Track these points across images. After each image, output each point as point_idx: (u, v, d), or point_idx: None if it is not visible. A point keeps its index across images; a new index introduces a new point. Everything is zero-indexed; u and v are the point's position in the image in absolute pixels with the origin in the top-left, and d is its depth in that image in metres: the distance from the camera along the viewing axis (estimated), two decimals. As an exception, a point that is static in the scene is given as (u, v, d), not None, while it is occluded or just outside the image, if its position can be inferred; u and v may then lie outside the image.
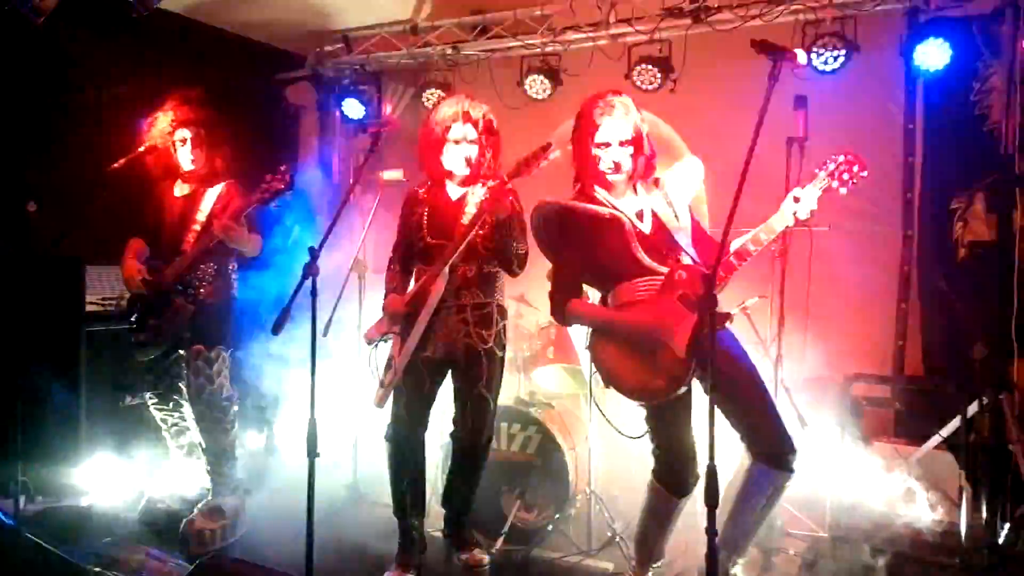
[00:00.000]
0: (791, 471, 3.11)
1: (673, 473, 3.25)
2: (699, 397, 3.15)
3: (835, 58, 4.79)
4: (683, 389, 3.08)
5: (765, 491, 3.13)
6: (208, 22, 5.96)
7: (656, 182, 3.37)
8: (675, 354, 3.04)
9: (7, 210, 3.97)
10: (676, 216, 3.28)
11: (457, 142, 3.59)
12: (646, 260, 3.19)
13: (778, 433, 3.11)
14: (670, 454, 3.24)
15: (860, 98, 4.99)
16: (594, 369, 3.41)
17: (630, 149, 3.22)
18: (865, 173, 3.05)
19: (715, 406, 2.43)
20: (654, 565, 3.50)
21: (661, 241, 3.23)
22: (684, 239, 3.24)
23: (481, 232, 3.54)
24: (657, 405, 3.17)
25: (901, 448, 4.45)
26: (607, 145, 3.21)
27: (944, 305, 4.85)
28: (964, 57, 4.67)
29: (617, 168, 3.22)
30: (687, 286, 3.10)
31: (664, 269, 3.16)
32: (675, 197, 3.33)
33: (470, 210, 3.57)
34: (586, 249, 3.29)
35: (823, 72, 4.81)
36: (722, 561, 3.16)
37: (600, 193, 3.27)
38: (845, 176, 3.05)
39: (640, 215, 3.27)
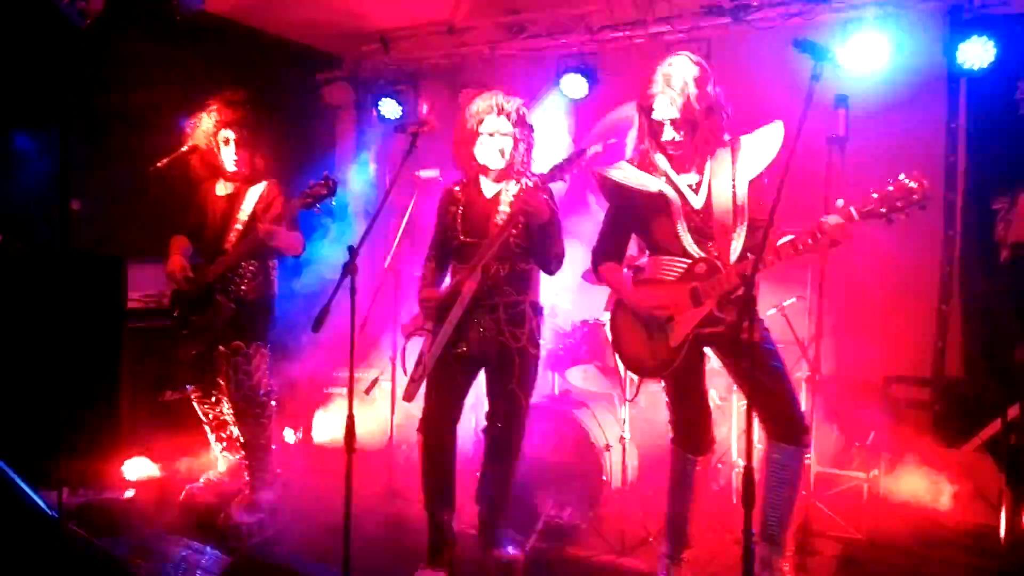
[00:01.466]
0: (805, 446, 3.25)
1: (687, 436, 3.42)
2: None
3: (876, 57, 4.73)
4: (669, 370, 3.27)
5: (787, 469, 3.20)
6: (248, 23, 6.04)
7: (735, 145, 3.23)
8: (669, 342, 3.22)
9: (52, 208, 4.05)
10: (735, 195, 3.17)
11: (491, 135, 3.59)
12: (687, 239, 3.20)
13: (793, 414, 3.20)
14: (682, 420, 3.42)
15: (901, 97, 4.92)
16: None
17: (692, 123, 3.13)
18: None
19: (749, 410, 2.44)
20: (684, 557, 3.48)
21: (710, 220, 3.18)
22: (738, 220, 3.16)
23: (515, 231, 3.55)
24: (668, 377, 3.33)
25: (940, 451, 4.38)
26: (660, 124, 3.17)
27: (985, 307, 4.78)
28: (1008, 55, 4.59)
29: (670, 145, 3.18)
30: (703, 281, 3.15)
31: (698, 253, 3.17)
32: (745, 166, 3.18)
33: (504, 209, 3.57)
34: (633, 217, 3.39)
35: (864, 71, 4.76)
36: (766, 557, 3.22)
37: (660, 162, 3.26)
38: (899, 204, 2.86)
39: (697, 187, 3.22)
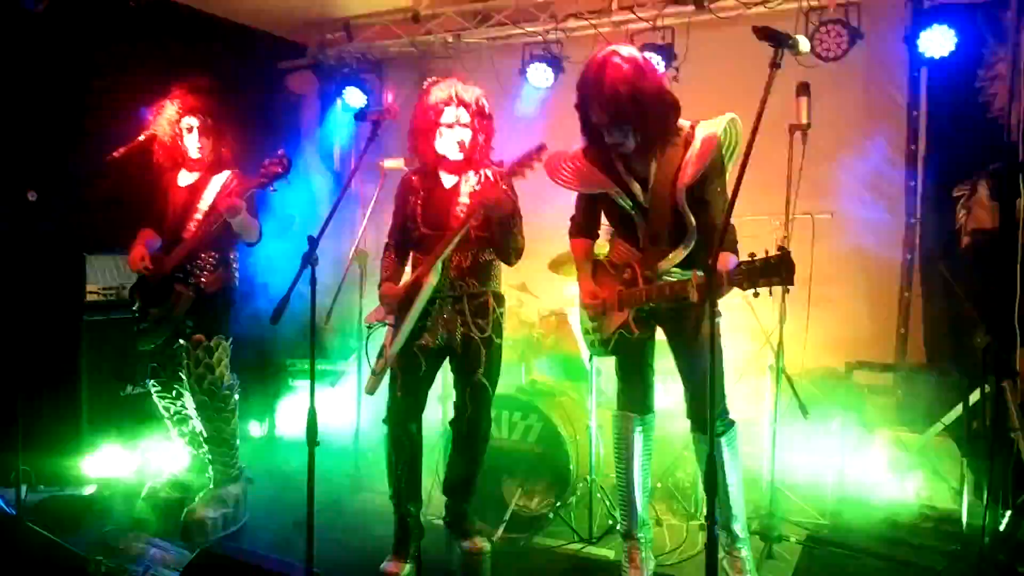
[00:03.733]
0: (718, 435, 3.25)
1: (626, 399, 3.54)
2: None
3: (838, 45, 4.76)
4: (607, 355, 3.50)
5: (702, 456, 3.33)
6: (209, 11, 5.94)
7: (689, 136, 3.17)
8: (606, 329, 3.40)
9: (8, 199, 3.96)
10: (675, 200, 3.16)
11: (450, 126, 3.56)
12: (637, 231, 3.27)
13: (707, 404, 3.10)
14: (626, 390, 3.54)
15: (863, 85, 4.97)
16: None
17: (628, 126, 3.09)
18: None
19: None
20: (641, 537, 3.52)
21: (660, 216, 3.20)
22: (675, 227, 3.19)
23: (475, 223, 3.52)
24: (614, 352, 3.47)
25: (903, 436, 4.44)
26: (603, 124, 3.12)
27: (947, 293, 4.83)
28: (969, 44, 4.63)
29: (620, 145, 3.16)
30: (627, 288, 3.26)
31: (644, 248, 3.24)
32: (693, 163, 3.12)
33: (464, 200, 3.55)
34: (594, 204, 3.51)
35: (826, 59, 4.79)
36: (724, 543, 3.35)
37: (612, 158, 3.26)
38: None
39: (645, 184, 3.22)
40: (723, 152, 3.15)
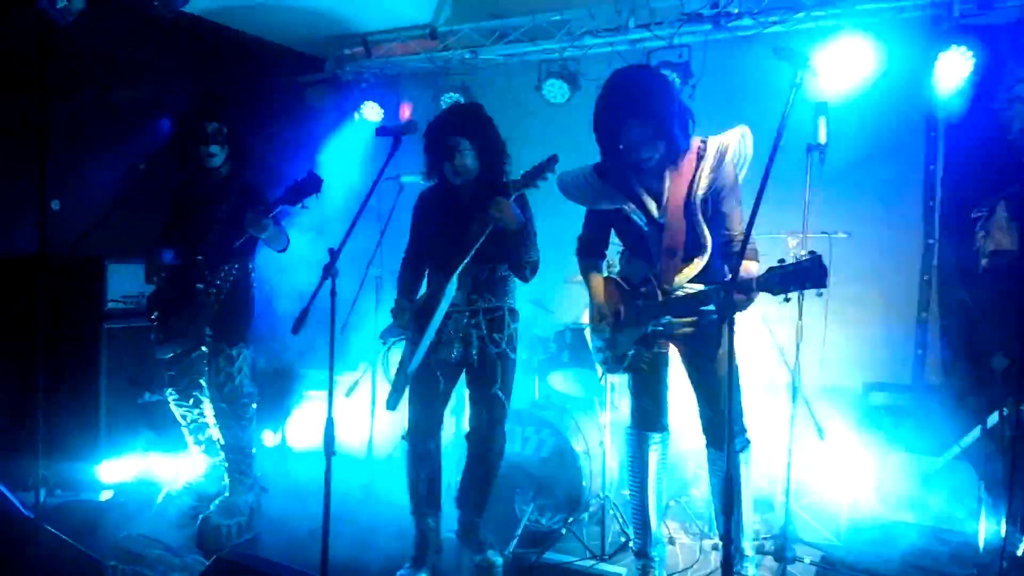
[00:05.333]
0: (736, 451, 3.28)
1: (641, 418, 3.53)
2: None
3: (856, 65, 4.76)
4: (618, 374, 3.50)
5: (721, 474, 3.28)
6: (230, 25, 6.01)
7: (700, 151, 3.20)
8: (616, 350, 3.39)
9: (30, 208, 4.01)
10: (689, 213, 3.18)
11: (459, 147, 3.60)
12: (654, 249, 3.24)
13: (725, 421, 3.18)
14: (640, 409, 3.53)
15: (881, 106, 4.96)
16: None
17: (663, 141, 3.12)
18: None
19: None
20: (655, 555, 3.50)
21: (670, 243, 3.21)
22: (690, 241, 3.20)
23: (490, 239, 3.54)
24: (628, 371, 3.45)
25: (920, 458, 4.41)
26: (640, 140, 3.12)
27: (965, 314, 4.81)
28: (988, 65, 4.63)
29: (647, 160, 3.16)
30: (648, 296, 3.25)
31: (661, 263, 3.21)
32: (707, 176, 3.16)
33: (479, 215, 3.58)
34: (605, 223, 3.49)
35: (844, 79, 4.79)
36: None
37: (627, 174, 3.27)
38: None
39: (658, 199, 3.24)
40: (736, 163, 3.17)
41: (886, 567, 3.93)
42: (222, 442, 4.26)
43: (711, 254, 3.20)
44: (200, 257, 4.13)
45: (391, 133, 3.38)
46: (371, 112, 6.50)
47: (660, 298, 3.21)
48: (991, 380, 4.09)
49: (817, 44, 4.88)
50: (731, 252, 3.16)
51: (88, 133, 5.04)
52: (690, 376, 3.40)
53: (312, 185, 3.78)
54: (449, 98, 6.08)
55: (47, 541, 3.43)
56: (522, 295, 3.93)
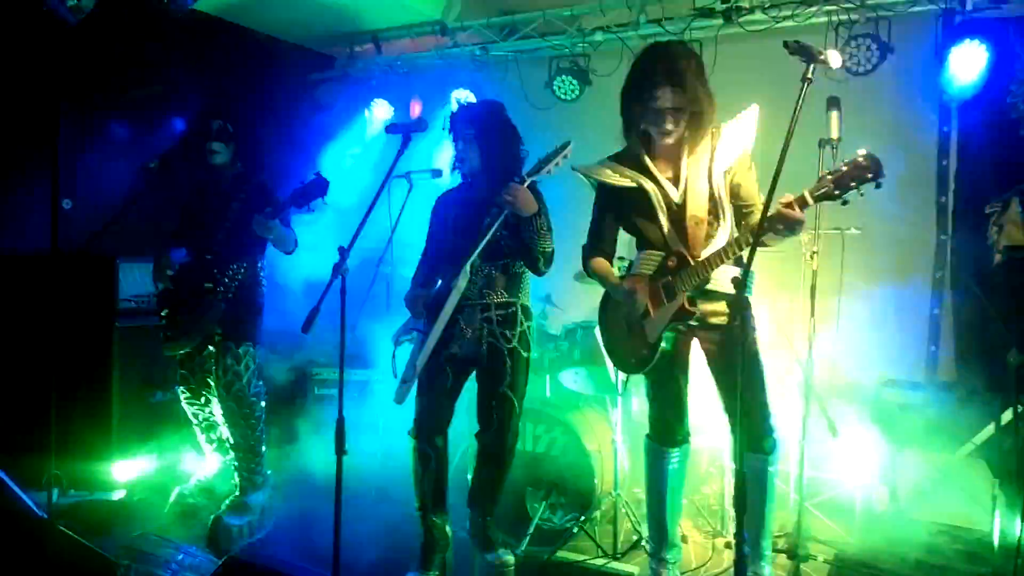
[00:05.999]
0: (767, 453, 3.20)
1: (661, 430, 3.43)
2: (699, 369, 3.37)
3: (868, 59, 4.74)
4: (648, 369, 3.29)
5: (753, 476, 3.14)
6: (240, 23, 6.02)
7: (715, 135, 3.21)
8: (646, 339, 3.24)
9: (42, 207, 4.03)
10: (711, 186, 3.17)
11: (466, 142, 3.64)
12: (669, 233, 3.20)
13: (758, 423, 3.20)
14: (658, 416, 3.43)
15: (894, 100, 4.93)
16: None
17: (684, 116, 3.12)
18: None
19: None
20: (670, 558, 3.48)
21: (694, 212, 3.17)
22: (714, 212, 3.17)
23: (505, 231, 3.54)
24: (649, 372, 3.32)
25: (933, 455, 4.38)
26: (658, 112, 3.12)
27: (978, 310, 4.78)
28: (1001, 60, 4.60)
29: (668, 135, 3.15)
30: (674, 274, 3.15)
31: (678, 247, 3.16)
32: (723, 155, 3.17)
33: (493, 209, 3.57)
34: (619, 212, 3.40)
35: (856, 73, 4.77)
36: (750, 562, 3.27)
37: (643, 156, 3.25)
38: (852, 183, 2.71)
39: (676, 181, 3.23)
40: (751, 141, 3.18)
41: (900, 565, 3.91)
42: (231, 441, 4.26)
43: (732, 227, 3.18)
44: (209, 256, 4.14)
45: (401, 130, 3.38)
46: (381, 109, 6.50)
47: (692, 263, 3.12)
48: (1005, 376, 4.05)
49: (829, 38, 4.85)
50: (752, 222, 3.13)
51: (99, 132, 5.05)
52: (716, 375, 3.30)
53: (319, 188, 3.77)
54: (460, 94, 6.07)
55: (60, 540, 3.44)
56: (533, 293, 3.91)
